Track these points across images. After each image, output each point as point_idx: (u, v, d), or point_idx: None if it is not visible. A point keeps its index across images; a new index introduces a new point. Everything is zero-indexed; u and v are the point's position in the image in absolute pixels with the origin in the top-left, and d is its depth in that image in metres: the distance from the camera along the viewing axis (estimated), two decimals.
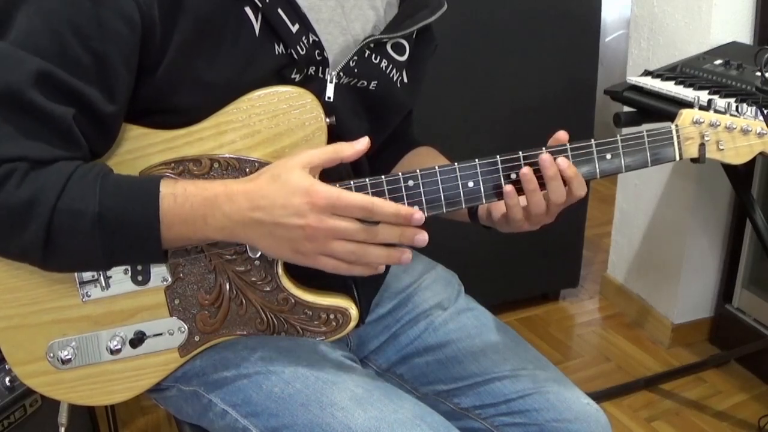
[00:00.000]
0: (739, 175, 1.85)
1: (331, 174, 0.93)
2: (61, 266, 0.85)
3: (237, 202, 0.82)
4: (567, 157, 0.91)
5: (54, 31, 0.78)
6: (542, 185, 0.91)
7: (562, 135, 0.93)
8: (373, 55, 0.98)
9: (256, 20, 0.87)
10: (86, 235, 0.80)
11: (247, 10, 0.87)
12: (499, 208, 0.97)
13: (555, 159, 0.90)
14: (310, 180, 0.81)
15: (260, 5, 0.86)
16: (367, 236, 0.83)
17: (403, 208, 0.83)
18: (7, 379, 1.35)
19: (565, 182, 0.91)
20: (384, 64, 1.00)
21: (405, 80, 1.04)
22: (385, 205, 0.82)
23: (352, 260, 0.83)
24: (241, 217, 0.82)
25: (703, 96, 1.53)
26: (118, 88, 0.83)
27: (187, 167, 0.88)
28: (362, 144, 0.85)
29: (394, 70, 1.01)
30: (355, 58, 0.95)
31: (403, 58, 1.02)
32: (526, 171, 0.90)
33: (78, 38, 0.79)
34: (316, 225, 0.81)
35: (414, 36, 1.04)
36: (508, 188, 0.90)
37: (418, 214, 0.83)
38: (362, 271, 0.85)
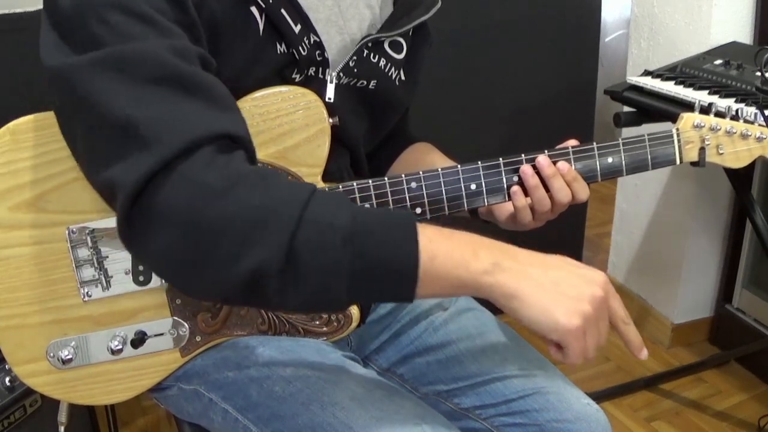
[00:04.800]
0: (739, 175, 1.85)
1: (332, 174, 0.93)
2: (297, 294, 0.71)
3: (519, 251, 0.75)
4: (568, 159, 0.92)
5: (137, 14, 0.74)
6: (546, 187, 0.92)
7: (571, 143, 0.94)
8: (372, 55, 0.98)
9: (260, 19, 0.87)
10: (334, 252, 0.69)
11: (253, 9, 0.87)
12: (504, 209, 0.98)
13: (555, 162, 0.92)
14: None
15: (263, 5, 0.87)
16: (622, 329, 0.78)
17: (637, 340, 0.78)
18: (7, 379, 1.34)
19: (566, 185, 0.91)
20: (383, 63, 1.00)
21: (403, 78, 1.04)
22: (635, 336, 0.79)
23: (594, 346, 0.75)
24: (527, 263, 0.73)
25: (703, 96, 1.53)
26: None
27: None
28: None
29: (393, 69, 1.01)
30: (355, 57, 0.95)
31: (401, 56, 1.02)
32: (526, 168, 0.91)
33: (161, 14, 0.76)
34: (603, 297, 0.74)
35: (410, 33, 1.04)
36: (515, 188, 0.91)
37: (644, 353, 0.78)
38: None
